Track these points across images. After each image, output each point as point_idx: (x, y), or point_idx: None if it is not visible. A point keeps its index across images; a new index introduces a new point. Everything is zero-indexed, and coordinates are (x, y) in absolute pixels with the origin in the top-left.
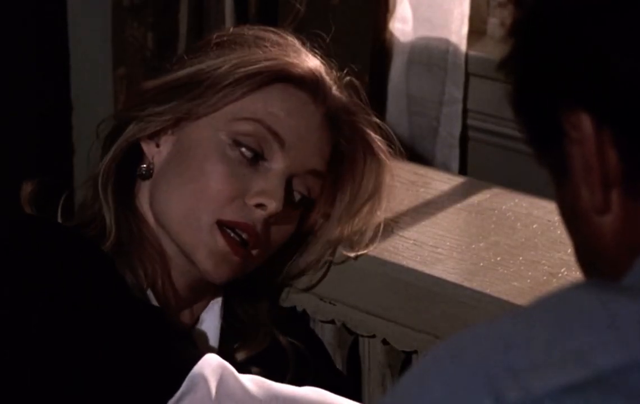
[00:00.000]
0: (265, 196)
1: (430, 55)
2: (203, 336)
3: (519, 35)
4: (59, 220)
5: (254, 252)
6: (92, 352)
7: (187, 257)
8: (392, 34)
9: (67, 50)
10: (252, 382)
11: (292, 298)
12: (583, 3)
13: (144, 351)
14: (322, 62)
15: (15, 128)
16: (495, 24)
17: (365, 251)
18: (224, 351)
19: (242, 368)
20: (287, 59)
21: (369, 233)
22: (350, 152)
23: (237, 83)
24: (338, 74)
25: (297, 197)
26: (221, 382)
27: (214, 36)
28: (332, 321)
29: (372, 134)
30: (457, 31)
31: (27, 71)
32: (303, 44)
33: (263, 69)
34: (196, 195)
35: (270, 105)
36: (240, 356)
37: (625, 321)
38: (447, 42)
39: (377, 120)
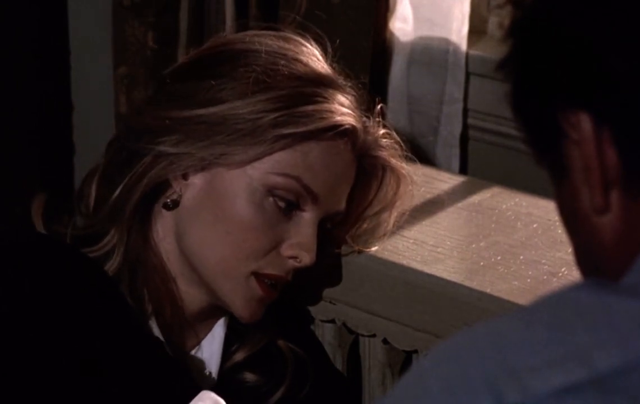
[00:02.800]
0: (299, 249)
1: (431, 54)
2: (207, 352)
3: (517, 36)
4: (69, 232)
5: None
6: (87, 380)
7: (219, 302)
8: (392, 34)
9: (68, 49)
10: None
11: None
12: (581, 3)
13: (139, 384)
14: (354, 95)
15: (16, 127)
16: (496, 23)
17: (368, 249)
18: (226, 354)
19: (242, 374)
20: (327, 111)
21: (377, 235)
22: (368, 168)
23: (279, 140)
24: (368, 105)
25: (320, 233)
26: None
27: (240, 56)
28: (333, 321)
29: (393, 160)
30: (458, 30)
31: (28, 70)
32: (324, 50)
33: (306, 131)
34: (233, 246)
35: (308, 160)
36: (239, 356)
37: (625, 321)
38: (447, 41)
39: (401, 147)
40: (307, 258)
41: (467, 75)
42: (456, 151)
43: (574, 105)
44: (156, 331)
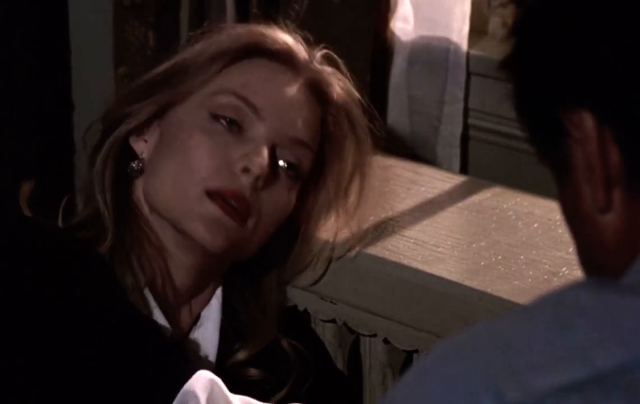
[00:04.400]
0: (248, 159)
1: (432, 54)
2: (203, 335)
3: (520, 35)
4: (60, 222)
5: (250, 223)
6: (83, 365)
7: (182, 234)
8: (393, 33)
9: (69, 49)
10: (242, 401)
11: (293, 298)
12: (584, 2)
13: (136, 366)
14: (297, 36)
15: (17, 127)
16: (497, 23)
17: (362, 248)
18: (224, 351)
19: (244, 370)
20: (258, 32)
21: (362, 222)
22: (336, 130)
23: (211, 61)
24: (316, 48)
25: (284, 165)
26: (210, 398)
27: (192, 35)
28: (333, 321)
29: (354, 109)
30: (458, 30)
31: (29, 70)
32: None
33: (235, 44)
34: (181, 168)
35: (243, 76)
36: (240, 356)
37: (626, 320)
38: (448, 41)
39: (359, 96)
40: (256, 167)
41: (468, 75)
42: (457, 151)
43: (576, 104)
44: (152, 304)
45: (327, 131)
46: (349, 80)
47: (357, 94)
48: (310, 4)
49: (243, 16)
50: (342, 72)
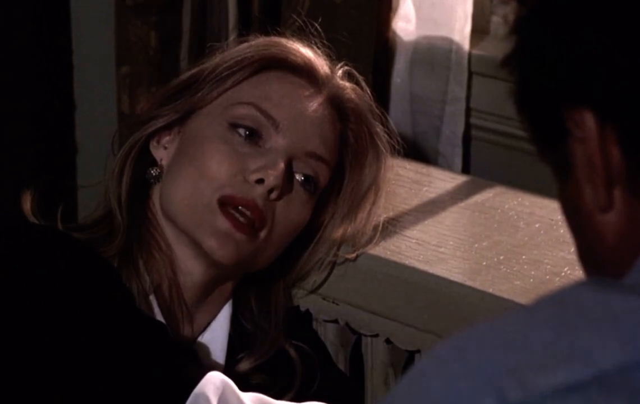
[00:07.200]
0: (263, 171)
1: (433, 54)
2: (211, 343)
3: (522, 32)
4: (59, 223)
5: (262, 234)
6: (93, 369)
7: (194, 244)
8: (395, 33)
9: (71, 49)
10: (254, 400)
11: (296, 298)
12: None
13: (146, 368)
14: (319, 53)
15: (19, 126)
16: (498, 22)
17: (364, 250)
18: (232, 359)
19: (249, 374)
20: (280, 45)
21: (369, 232)
22: (357, 145)
23: (232, 72)
24: (338, 64)
25: (300, 179)
26: (222, 400)
27: (214, 45)
28: (335, 321)
29: (375, 124)
30: (460, 30)
31: (31, 70)
32: (307, 43)
33: (256, 56)
34: (197, 175)
35: (263, 89)
36: (246, 365)
37: (628, 320)
38: (450, 41)
39: (380, 113)
40: (270, 179)
41: (470, 74)
42: (458, 150)
43: (577, 102)
44: (156, 310)
45: (348, 145)
46: (369, 96)
47: (377, 110)
48: (312, 4)
49: (245, 17)
50: (362, 89)
